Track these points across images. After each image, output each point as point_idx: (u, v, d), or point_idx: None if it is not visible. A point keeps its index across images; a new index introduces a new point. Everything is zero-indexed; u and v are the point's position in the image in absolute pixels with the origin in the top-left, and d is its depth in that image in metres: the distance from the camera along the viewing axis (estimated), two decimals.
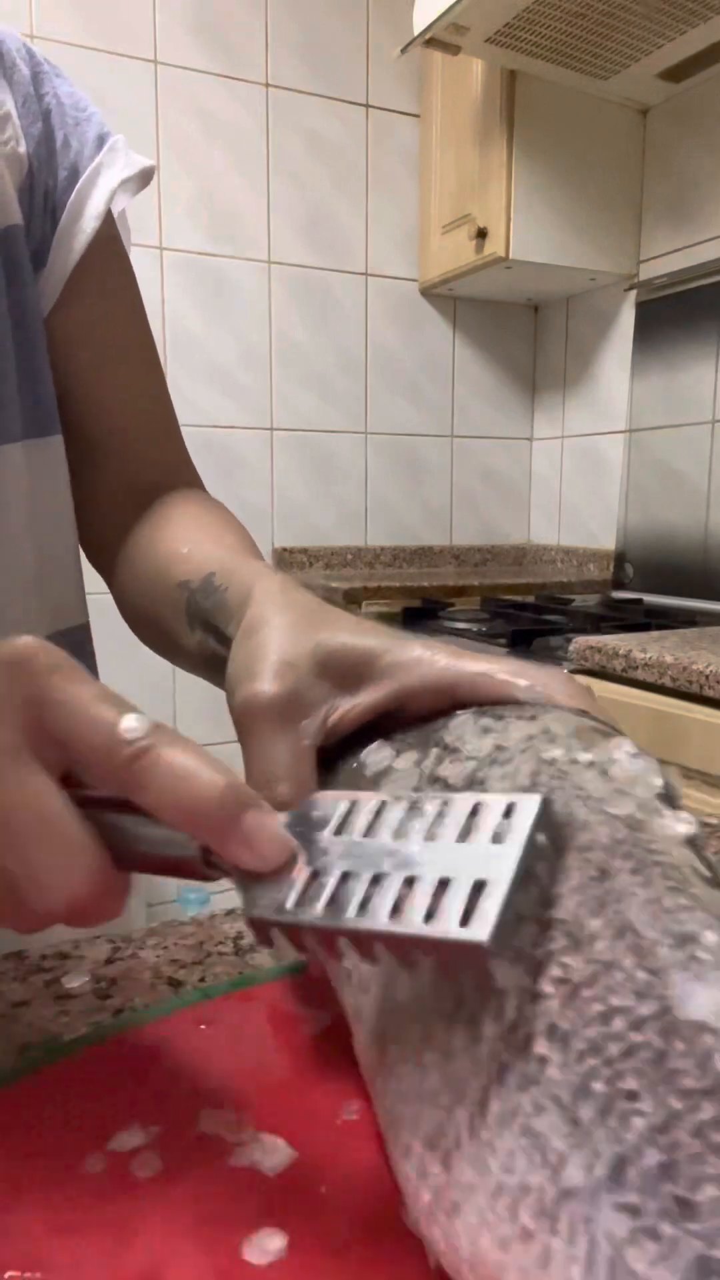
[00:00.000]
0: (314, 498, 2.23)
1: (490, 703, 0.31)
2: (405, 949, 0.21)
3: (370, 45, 2.14)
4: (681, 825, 0.24)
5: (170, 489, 0.57)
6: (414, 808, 0.24)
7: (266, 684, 0.31)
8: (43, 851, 0.24)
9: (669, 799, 0.25)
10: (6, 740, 0.25)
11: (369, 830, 0.24)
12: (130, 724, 0.24)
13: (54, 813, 0.25)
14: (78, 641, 0.57)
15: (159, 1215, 0.25)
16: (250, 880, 0.24)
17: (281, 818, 0.25)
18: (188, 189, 2.01)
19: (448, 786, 0.28)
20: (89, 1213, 0.25)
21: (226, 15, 1.99)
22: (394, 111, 2.19)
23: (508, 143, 1.90)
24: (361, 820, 0.25)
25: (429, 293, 2.28)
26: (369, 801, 0.25)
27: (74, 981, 0.37)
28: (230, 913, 0.44)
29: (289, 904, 0.23)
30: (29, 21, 1.82)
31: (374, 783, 0.31)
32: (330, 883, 0.23)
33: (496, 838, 0.22)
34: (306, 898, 0.23)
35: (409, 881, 0.22)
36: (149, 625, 0.50)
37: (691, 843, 0.23)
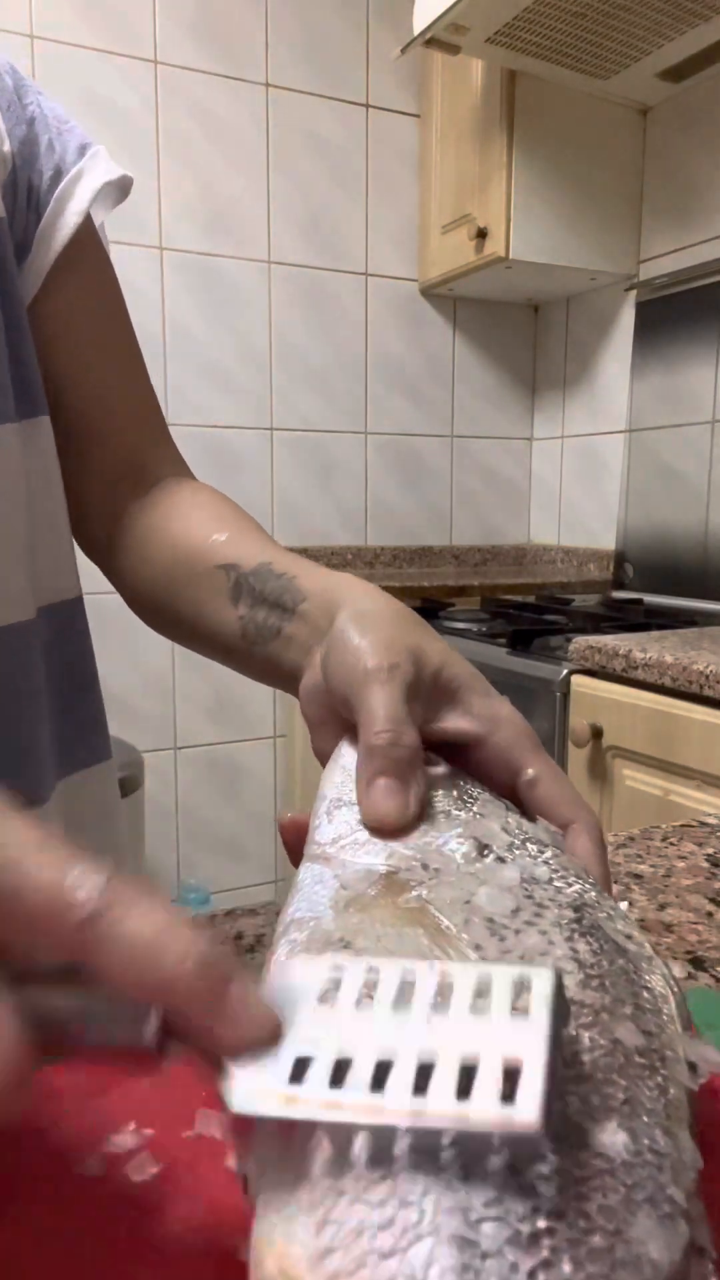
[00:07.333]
0: (314, 498, 2.23)
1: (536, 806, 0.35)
2: (435, 1141, 0.19)
3: (370, 45, 2.13)
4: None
5: (160, 475, 0.59)
6: (408, 979, 0.21)
7: (405, 664, 0.35)
8: None
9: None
10: None
11: (362, 1003, 0.21)
12: (77, 881, 0.20)
13: None
14: (70, 616, 0.58)
15: (156, 1217, 0.25)
16: (222, 1063, 0.21)
17: (259, 987, 0.22)
18: (188, 189, 2.01)
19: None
20: (87, 1215, 0.25)
21: (226, 15, 1.99)
22: (394, 111, 2.19)
23: (508, 143, 1.90)
24: (351, 991, 0.21)
25: (429, 293, 2.28)
26: (356, 969, 0.22)
27: None
28: (230, 913, 0.44)
29: (279, 1091, 0.19)
30: (29, 21, 1.82)
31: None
32: (323, 1066, 0.20)
33: (513, 1012, 0.20)
34: (300, 1085, 0.20)
35: (423, 1069, 0.19)
36: (163, 604, 0.53)
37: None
